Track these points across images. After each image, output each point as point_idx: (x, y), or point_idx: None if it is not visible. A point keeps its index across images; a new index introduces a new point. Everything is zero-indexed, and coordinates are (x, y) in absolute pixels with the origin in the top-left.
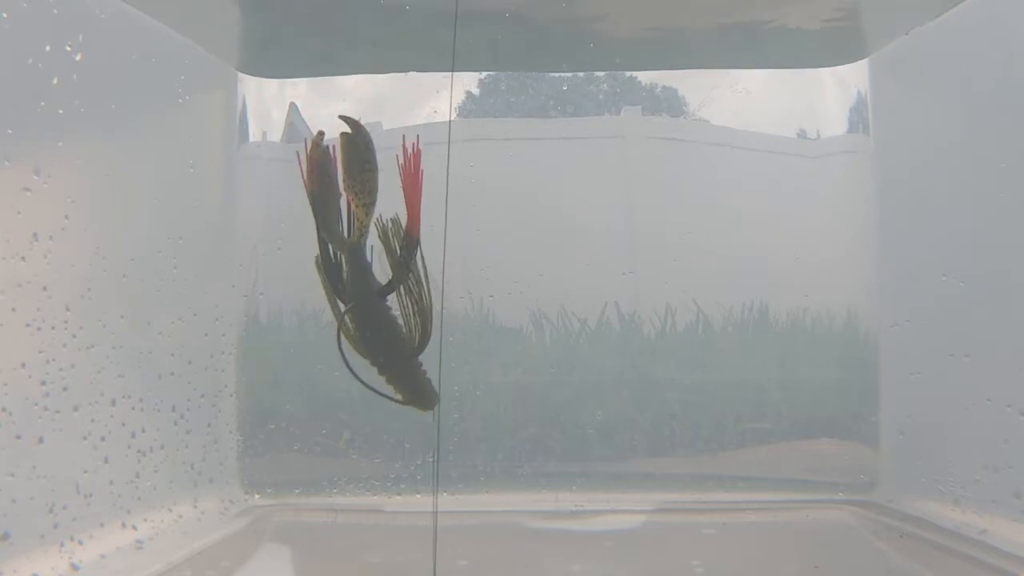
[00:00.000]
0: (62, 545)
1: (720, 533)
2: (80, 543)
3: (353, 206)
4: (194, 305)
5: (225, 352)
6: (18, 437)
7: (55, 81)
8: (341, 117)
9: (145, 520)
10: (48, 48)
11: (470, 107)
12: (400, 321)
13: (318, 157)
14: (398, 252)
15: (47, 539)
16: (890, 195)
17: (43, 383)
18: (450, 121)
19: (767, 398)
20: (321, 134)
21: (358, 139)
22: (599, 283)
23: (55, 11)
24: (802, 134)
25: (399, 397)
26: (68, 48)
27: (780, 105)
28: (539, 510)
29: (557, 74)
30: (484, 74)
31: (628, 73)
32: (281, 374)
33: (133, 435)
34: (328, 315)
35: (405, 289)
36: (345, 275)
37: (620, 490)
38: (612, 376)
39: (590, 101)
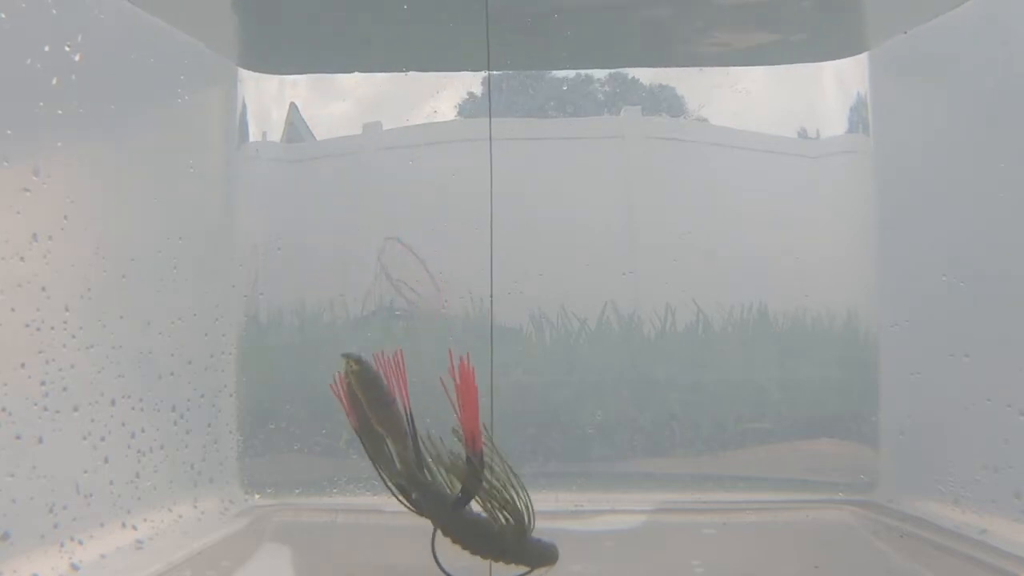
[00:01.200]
0: (62, 545)
1: (720, 533)
2: (80, 543)
3: (389, 442)
4: (194, 305)
5: (225, 352)
6: (18, 437)
7: (54, 81)
8: (345, 356)
9: (145, 520)
10: (47, 48)
11: (471, 107)
12: (490, 516)
13: (351, 387)
14: (463, 467)
15: (47, 539)
16: (890, 195)
17: (43, 383)
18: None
19: (767, 398)
20: (349, 363)
21: (365, 376)
22: (599, 283)
23: (54, 11)
24: (802, 134)
25: (527, 569)
26: (67, 48)
27: (780, 105)
28: (539, 510)
29: (559, 74)
30: (486, 73)
31: (629, 73)
32: (281, 374)
33: (133, 435)
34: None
35: (484, 495)
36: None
37: (620, 490)
38: (612, 376)
39: (590, 101)
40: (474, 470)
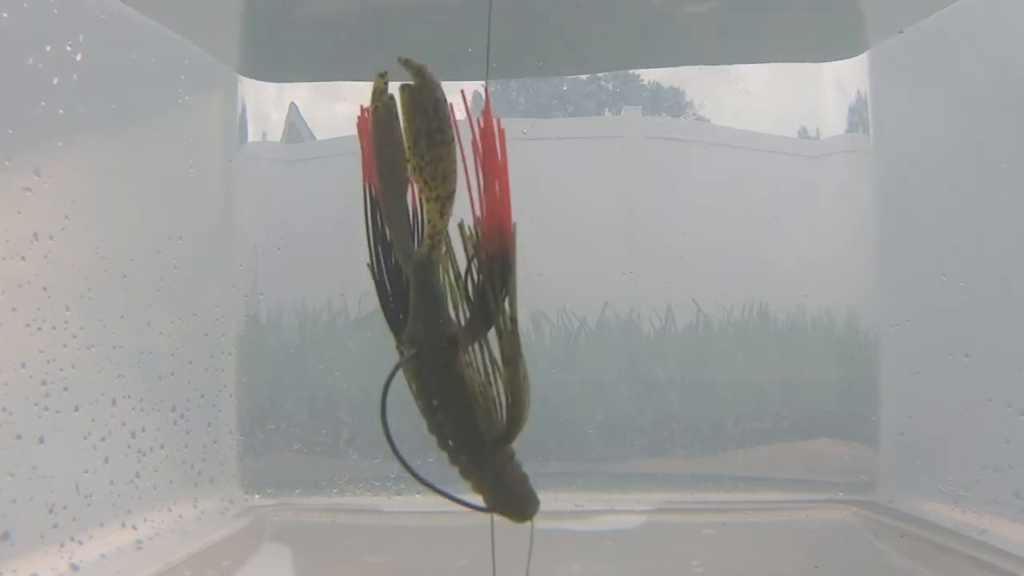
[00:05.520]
0: (62, 545)
1: (720, 533)
2: (80, 543)
3: (423, 197)
4: (194, 305)
5: (225, 352)
6: (18, 437)
7: (55, 81)
8: (401, 59)
9: (145, 520)
10: (48, 48)
11: (472, 107)
12: (482, 390)
13: (382, 117)
14: (483, 277)
15: (47, 539)
16: (890, 195)
17: (43, 383)
18: None
19: (767, 398)
20: (383, 80)
21: (424, 96)
22: (599, 283)
23: (55, 11)
24: (802, 133)
25: (482, 503)
26: (68, 48)
27: (780, 105)
28: (539, 510)
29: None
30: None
31: (629, 73)
32: (281, 374)
33: (133, 435)
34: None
35: (495, 335)
36: (408, 301)
37: (620, 490)
38: (612, 376)
39: (590, 101)
40: (498, 286)
